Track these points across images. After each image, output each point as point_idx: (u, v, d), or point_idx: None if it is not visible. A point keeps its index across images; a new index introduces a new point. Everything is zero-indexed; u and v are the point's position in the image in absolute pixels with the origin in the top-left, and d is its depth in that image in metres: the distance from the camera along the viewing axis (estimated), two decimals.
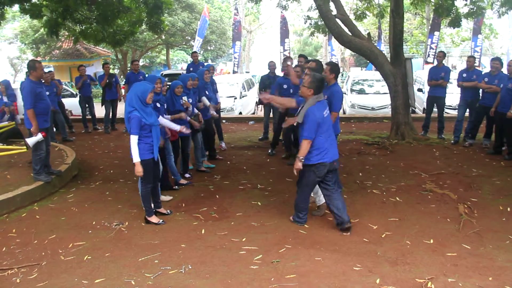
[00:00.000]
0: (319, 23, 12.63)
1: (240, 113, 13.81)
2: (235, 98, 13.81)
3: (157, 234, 4.88)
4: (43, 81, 7.66)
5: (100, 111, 11.49)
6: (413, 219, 5.12)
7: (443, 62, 9.49)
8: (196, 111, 7.02)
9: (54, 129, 9.91)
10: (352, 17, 11.83)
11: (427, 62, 21.20)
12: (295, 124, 4.86)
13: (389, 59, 9.48)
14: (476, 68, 9.51)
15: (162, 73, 18.03)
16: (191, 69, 11.36)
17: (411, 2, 11.94)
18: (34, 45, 26.41)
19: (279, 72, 9.69)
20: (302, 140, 4.59)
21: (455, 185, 6.28)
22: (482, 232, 4.72)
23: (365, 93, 14.48)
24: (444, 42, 29.03)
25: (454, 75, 10.39)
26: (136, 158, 4.79)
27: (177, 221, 5.24)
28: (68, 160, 7.37)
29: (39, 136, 6.02)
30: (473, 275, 3.83)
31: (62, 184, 6.71)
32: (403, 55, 9.47)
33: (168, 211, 5.46)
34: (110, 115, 11.16)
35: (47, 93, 6.99)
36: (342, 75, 24.92)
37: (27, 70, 6.46)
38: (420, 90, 13.27)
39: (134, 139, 4.76)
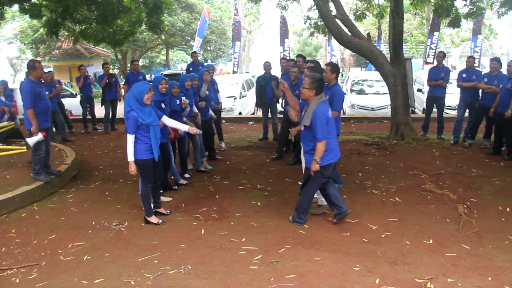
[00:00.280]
0: (319, 23, 12.61)
1: (240, 113, 13.81)
2: (235, 98, 13.81)
3: (156, 234, 4.88)
4: (42, 81, 7.66)
5: (100, 111, 11.49)
6: (412, 219, 5.13)
7: (443, 62, 9.49)
8: (196, 110, 7.02)
9: (54, 129, 9.91)
10: (351, 17, 11.83)
11: (426, 63, 21.22)
12: (302, 127, 4.84)
13: (388, 59, 9.49)
14: (476, 68, 9.52)
15: (161, 73, 18.03)
16: (191, 69, 11.37)
17: (410, 3, 11.93)
18: (33, 45, 26.40)
19: (275, 72, 9.68)
20: (317, 142, 4.57)
21: (455, 186, 6.29)
22: (481, 232, 4.72)
23: (365, 93, 14.49)
24: (443, 43, 29.05)
25: (453, 76, 10.39)
26: (130, 157, 4.85)
27: (176, 221, 5.24)
28: (68, 160, 7.37)
29: (40, 136, 6.03)
30: (472, 275, 3.83)
31: (62, 184, 6.71)
32: (403, 56, 9.47)
33: (168, 211, 5.46)
34: (110, 115, 11.16)
35: (46, 93, 6.99)
36: (342, 75, 24.92)
37: (26, 70, 6.46)
38: (419, 90, 13.27)
39: (129, 138, 4.83)
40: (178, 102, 6.29)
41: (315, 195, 5.27)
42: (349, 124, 11.83)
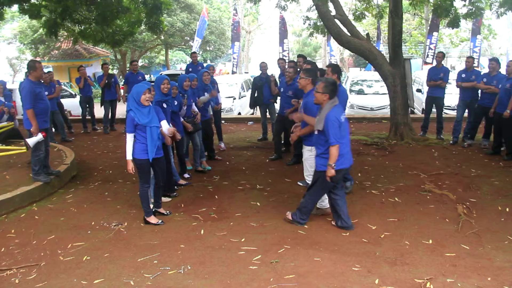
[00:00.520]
0: (318, 23, 12.61)
1: (239, 113, 13.81)
2: (234, 99, 13.81)
3: (156, 234, 4.88)
4: (42, 81, 7.66)
5: (99, 111, 11.49)
6: (412, 219, 5.13)
7: (442, 62, 9.50)
8: (196, 110, 7.02)
9: (53, 130, 9.91)
10: (351, 17, 11.83)
11: (426, 63, 21.24)
12: (315, 132, 4.79)
13: (388, 59, 9.49)
14: (475, 68, 9.52)
15: (161, 73, 18.03)
16: (190, 69, 11.38)
17: (410, 3, 11.94)
18: (33, 46, 26.40)
19: (273, 73, 9.68)
20: (330, 146, 4.50)
21: (454, 186, 6.29)
22: (481, 233, 4.73)
23: (364, 93, 14.50)
24: (443, 43, 29.07)
25: (453, 76, 10.40)
26: (128, 155, 4.95)
27: (176, 222, 5.24)
28: (67, 160, 7.37)
29: (40, 136, 6.02)
30: (471, 275, 3.84)
31: (61, 184, 6.71)
32: (402, 56, 9.48)
33: (168, 212, 5.46)
34: (109, 115, 11.15)
35: (46, 93, 6.98)
36: (341, 75, 24.89)
37: (26, 70, 6.45)
38: (419, 90, 13.28)
39: (127, 137, 4.94)
40: (176, 103, 6.30)
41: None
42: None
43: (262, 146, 9.23)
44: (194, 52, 13.06)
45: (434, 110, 9.46)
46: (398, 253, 4.28)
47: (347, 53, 35.02)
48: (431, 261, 4.11)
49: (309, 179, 5.35)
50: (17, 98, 10.94)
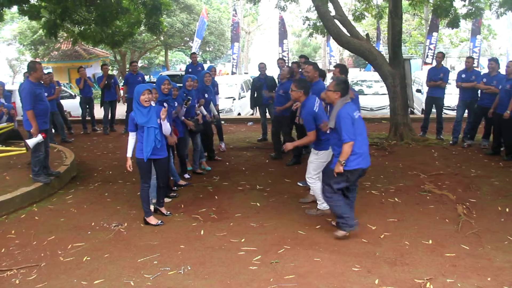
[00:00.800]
0: (318, 24, 12.64)
1: (239, 114, 13.81)
2: (234, 99, 13.82)
3: (156, 235, 4.88)
4: (42, 82, 7.66)
5: (99, 112, 11.49)
6: (411, 219, 5.13)
7: (442, 63, 9.50)
8: (198, 111, 7.02)
9: (53, 131, 9.91)
10: (350, 18, 11.85)
11: (425, 63, 21.26)
12: (327, 130, 4.75)
13: (387, 60, 9.50)
14: (475, 68, 9.52)
15: (160, 74, 18.03)
16: (190, 70, 11.39)
17: (409, 3, 11.97)
18: (32, 47, 26.40)
19: (273, 73, 9.70)
20: (343, 143, 4.36)
21: (454, 186, 6.29)
22: (480, 233, 4.73)
23: (364, 94, 14.48)
24: (442, 43, 29.10)
25: (452, 76, 10.41)
26: (127, 153, 5.09)
27: (176, 222, 5.24)
28: (67, 161, 7.37)
29: (39, 137, 6.02)
30: (471, 275, 3.84)
31: (61, 185, 6.71)
32: (402, 56, 9.49)
33: (168, 212, 5.47)
34: (109, 116, 11.15)
35: (45, 94, 6.98)
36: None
37: (26, 71, 6.45)
38: (418, 91, 13.29)
39: (129, 136, 5.07)
40: (176, 104, 6.31)
41: (319, 198, 5.27)
42: None
43: (262, 147, 9.24)
44: (194, 53, 13.07)
45: (434, 110, 9.47)
46: (398, 253, 4.28)
47: (346, 53, 35.06)
48: (431, 261, 4.12)
49: (310, 181, 5.35)
50: (17, 99, 10.93)
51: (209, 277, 3.92)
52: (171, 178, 6.51)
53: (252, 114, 14.44)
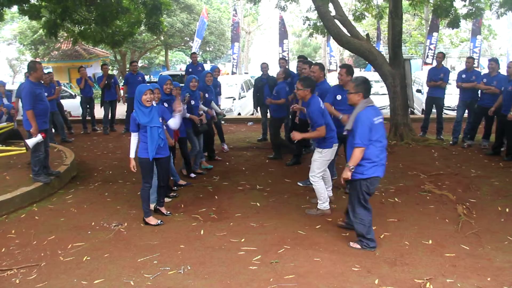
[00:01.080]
0: (318, 24, 12.63)
1: (239, 114, 13.82)
2: (234, 99, 13.82)
3: (156, 234, 4.88)
4: (42, 82, 7.66)
5: (99, 112, 11.49)
6: (411, 219, 5.13)
7: (442, 63, 9.50)
8: (202, 111, 7.03)
9: (53, 130, 9.92)
10: (351, 18, 11.84)
11: (426, 63, 21.25)
12: (345, 133, 4.45)
13: (388, 60, 9.50)
14: (475, 69, 9.52)
15: (161, 74, 18.04)
16: (190, 70, 11.40)
17: (409, 3, 11.96)
18: (33, 46, 26.40)
19: (273, 73, 9.70)
20: (355, 147, 4.15)
21: (454, 186, 6.29)
22: (480, 233, 4.73)
23: None
24: (443, 43, 29.07)
25: (453, 76, 10.41)
26: (130, 153, 5.07)
27: (176, 222, 5.24)
28: (67, 161, 7.37)
29: (39, 137, 6.02)
30: (471, 275, 3.84)
31: (61, 185, 6.71)
32: (402, 56, 9.48)
33: (168, 212, 5.47)
34: (109, 116, 11.15)
35: (46, 94, 6.98)
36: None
37: (26, 71, 6.45)
38: (419, 91, 13.28)
39: (131, 136, 5.07)
40: (185, 101, 6.36)
41: (321, 197, 5.28)
42: None
43: (262, 147, 9.24)
44: (194, 53, 13.07)
45: (434, 110, 9.47)
46: (398, 254, 4.28)
47: (347, 53, 35.07)
48: (430, 261, 4.12)
49: (313, 179, 5.33)
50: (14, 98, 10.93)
51: (209, 277, 3.92)
52: (171, 178, 6.52)
53: (252, 114, 14.45)
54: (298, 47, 44.81)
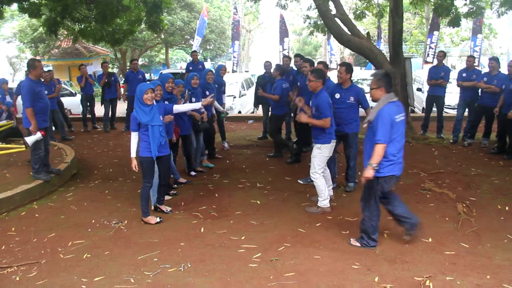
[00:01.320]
0: (319, 22, 12.62)
1: (240, 112, 13.82)
2: (235, 97, 13.82)
3: (156, 232, 4.89)
4: (42, 80, 7.66)
5: (99, 110, 11.49)
6: None
7: (443, 61, 9.50)
8: (203, 110, 7.04)
9: (53, 128, 9.92)
10: (351, 16, 11.84)
11: (426, 62, 21.24)
12: (365, 125, 4.31)
13: (388, 58, 9.49)
14: (476, 68, 9.52)
15: (161, 72, 18.03)
16: (191, 68, 11.38)
17: (410, 2, 11.94)
18: (33, 44, 26.41)
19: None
20: (376, 144, 4.02)
21: (454, 184, 6.30)
22: (480, 231, 4.73)
23: (365, 92, 14.47)
24: (443, 42, 29.06)
25: (453, 75, 10.40)
26: (131, 153, 5.02)
27: (176, 220, 5.25)
28: (67, 159, 7.37)
29: (38, 135, 6.02)
30: (471, 273, 3.84)
31: (62, 183, 6.71)
32: (403, 55, 9.48)
33: (169, 209, 5.47)
34: (110, 114, 11.15)
35: (46, 92, 6.98)
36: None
37: (26, 69, 6.45)
38: (419, 89, 13.27)
39: (132, 136, 5.03)
40: (183, 101, 6.35)
41: (321, 194, 5.28)
42: None
43: (262, 145, 9.24)
44: (195, 51, 13.04)
45: (434, 109, 9.47)
46: (397, 251, 4.28)
47: (347, 52, 35.05)
48: (430, 259, 4.12)
49: (314, 176, 5.34)
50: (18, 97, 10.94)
51: (209, 274, 3.92)
52: (171, 176, 6.52)
53: (253, 112, 14.44)
54: (298, 46, 44.81)
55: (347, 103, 5.87)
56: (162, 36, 26.37)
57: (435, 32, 21.30)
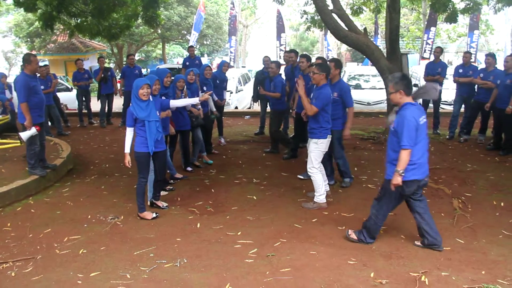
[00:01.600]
0: (316, 17, 12.61)
1: (236, 107, 13.80)
2: (231, 93, 13.79)
3: (152, 228, 4.88)
4: (38, 75, 7.61)
5: (96, 105, 11.45)
6: (407, 213, 5.08)
7: (440, 57, 9.50)
8: (200, 106, 7.03)
9: (49, 123, 9.88)
10: (348, 12, 11.81)
11: (423, 58, 21.21)
12: (391, 127, 4.18)
13: (385, 54, 9.48)
14: (472, 64, 9.54)
15: (158, 67, 17.96)
16: (187, 63, 11.35)
17: None
18: (28, 39, 26.22)
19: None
20: (401, 149, 3.92)
21: (450, 180, 6.32)
22: (475, 227, 4.76)
23: (361, 88, 14.48)
24: (440, 38, 29.05)
25: (450, 71, 10.41)
26: (125, 149, 4.98)
27: (172, 215, 5.24)
28: (64, 154, 7.35)
29: (33, 130, 5.98)
30: (466, 269, 3.86)
31: (57, 178, 6.70)
32: (399, 51, 9.47)
33: (165, 205, 5.47)
34: (106, 109, 11.12)
35: (42, 87, 6.95)
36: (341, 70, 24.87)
37: (22, 64, 6.40)
38: (415, 85, 13.27)
39: (127, 131, 4.99)
40: (183, 95, 6.33)
41: (318, 189, 5.29)
42: None
43: (258, 140, 9.24)
44: (192, 46, 13.01)
45: (431, 105, 9.47)
46: (393, 247, 4.30)
47: (344, 47, 35.03)
48: (426, 254, 4.14)
49: (312, 171, 5.35)
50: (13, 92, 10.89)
51: (205, 270, 3.93)
52: (168, 171, 6.52)
53: (250, 108, 14.42)
54: (295, 41, 44.71)
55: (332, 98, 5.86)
56: (159, 31, 26.26)
57: (432, 28, 21.26)
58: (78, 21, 10.03)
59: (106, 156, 8.14)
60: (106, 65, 11.61)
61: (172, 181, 6.43)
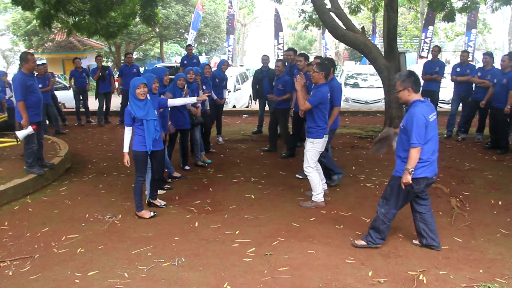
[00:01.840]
0: (313, 16, 12.61)
1: (234, 106, 13.79)
2: (229, 92, 13.77)
3: (150, 227, 4.88)
4: (35, 73, 7.59)
5: (93, 103, 11.43)
6: (406, 212, 5.10)
7: (438, 56, 9.51)
8: (199, 104, 7.02)
9: (47, 122, 9.86)
10: (346, 11, 11.81)
11: (421, 57, 21.24)
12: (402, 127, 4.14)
13: (383, 53, 9.49)
14: (470, 62, 9.55)
15: (156, 66, 17.93)
16: (185, 62, 11.32)
17: None
18: (26, 37, 26.12)
19: (272, 66, 9.65)
20: (411, 147, 3.88)
21: (448, 179, 6.32)
22: (473, 226, 4.77)
23: (359, 87, 14.50)
24: (438, 37, 29.09)
25: (448, 70, 10.43)
26: (124, 148, 4.98)
27: (170, 214, 5.24)
28: (61, 153, 7.33)
29: (30, 129, 5.95)
30: (464, 267, 3.87)
31: (55, 177, 6.68)
32: (397, 50, 9.47)
33: (163, 204, 5.46)
34: (104, 107, 11.10)
35: (40, 86, 6.92)
36: (336, 69, 24.88)
37: (19, 62, 6.38)
38: None
39: (125, 130, 4.99)
40: (183, 94, 6.33)
41: (315, 188, 5.29)
42: (343, 118, 11.81)
43: (256, 139, 9.23)
44: (189, 45, 12.97)
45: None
46: (391, 246, 4.30)
47: (342, 46, 34.99)
48: (424, 253, 4.14)
49: (308, 170, 5.35)
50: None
51: (203, 269, 3.92)
52: (166, 170, 6.51)
53: (247, 107, 14.41)
54: (293, 40, 44.71)
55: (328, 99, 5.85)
56: (157, 30, 26.20)
57: (430, 27, 21.29)
58: (76, 19, 10.03)
59: (104, 154, 8.13)
60: (104, 63, 11.58)
61: (170, 180, 6.42)
